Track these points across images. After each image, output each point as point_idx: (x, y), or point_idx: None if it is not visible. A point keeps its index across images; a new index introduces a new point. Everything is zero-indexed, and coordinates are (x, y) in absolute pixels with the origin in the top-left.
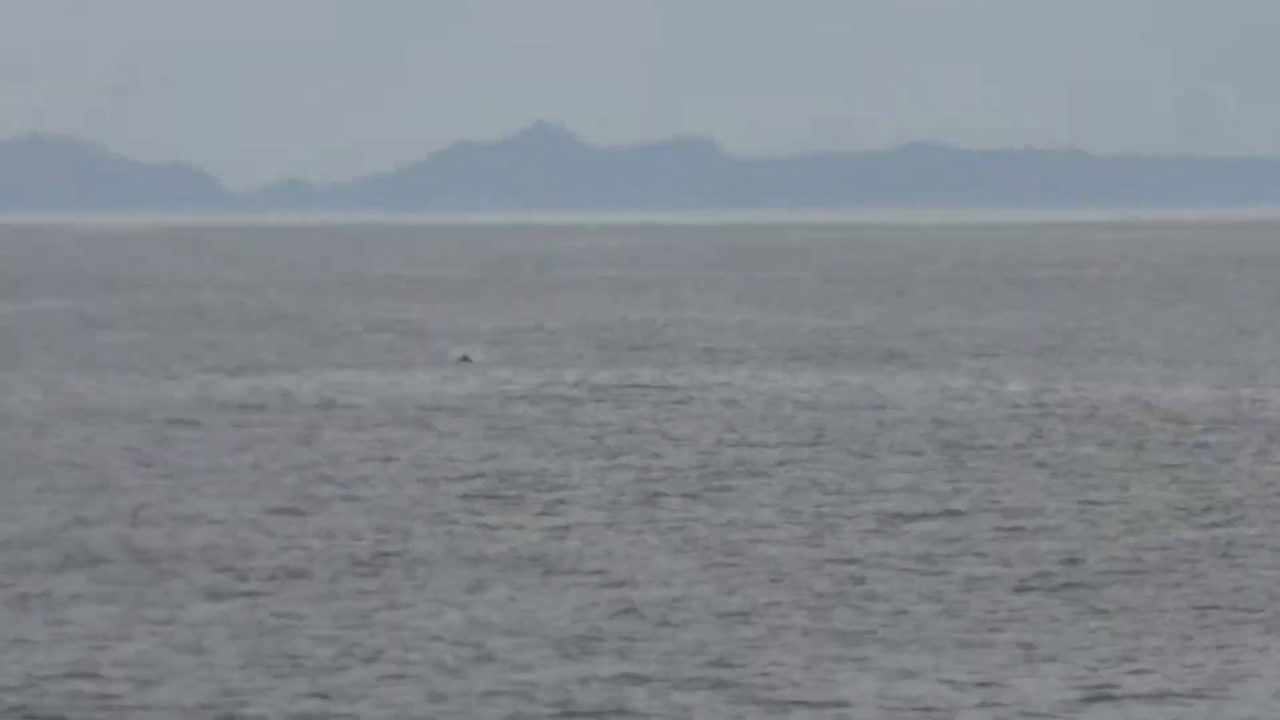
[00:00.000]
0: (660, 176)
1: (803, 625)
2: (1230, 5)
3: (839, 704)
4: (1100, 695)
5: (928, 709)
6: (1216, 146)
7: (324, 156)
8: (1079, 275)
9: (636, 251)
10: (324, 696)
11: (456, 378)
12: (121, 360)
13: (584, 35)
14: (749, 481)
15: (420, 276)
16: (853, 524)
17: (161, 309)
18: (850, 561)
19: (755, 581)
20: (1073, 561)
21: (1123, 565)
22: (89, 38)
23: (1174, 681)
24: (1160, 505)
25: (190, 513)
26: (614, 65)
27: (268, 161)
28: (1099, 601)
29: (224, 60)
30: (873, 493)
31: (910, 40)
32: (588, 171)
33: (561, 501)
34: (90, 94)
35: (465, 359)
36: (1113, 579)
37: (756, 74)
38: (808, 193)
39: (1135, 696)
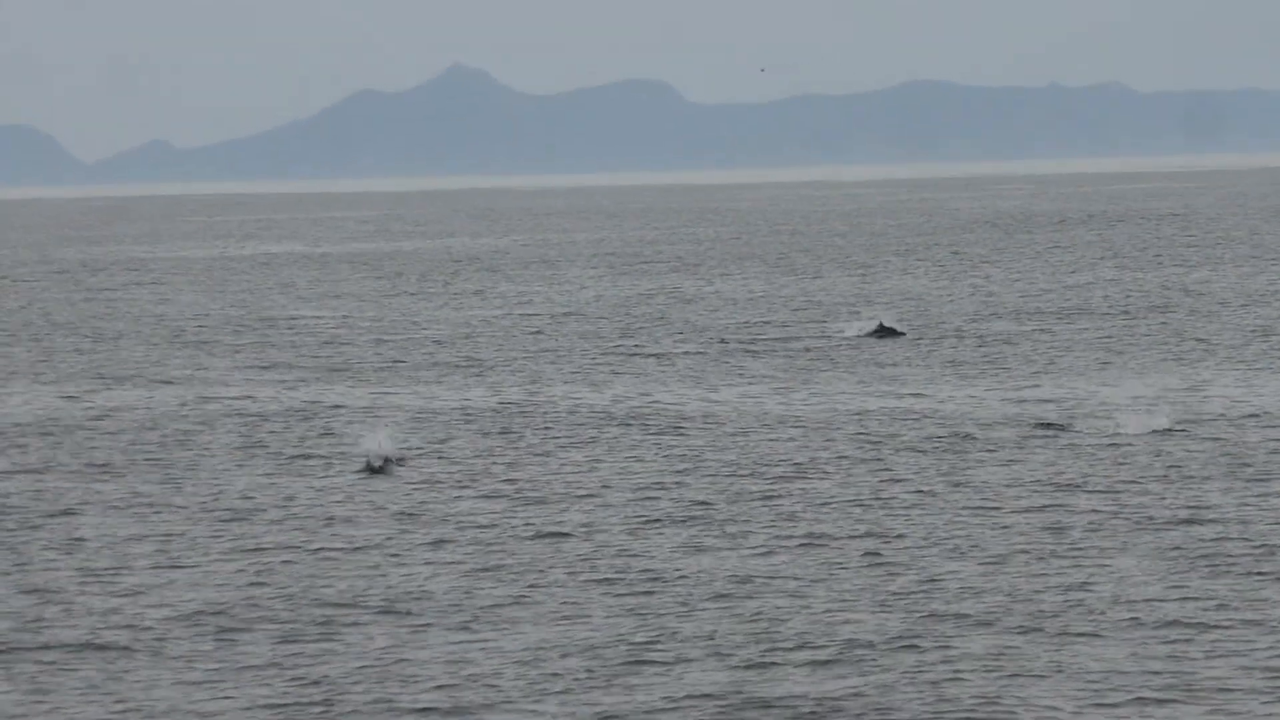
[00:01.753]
0: (608, 126)
1: None
2: None
3: None
4: None
5: None
6: None
7: (195, 116)
8: None
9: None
10: None
11: None
12: None
13: None
14: None
15: None
16: None
17: None
18: None
19: None
20: None
21: None
22: None
23: None
24: None
25: None
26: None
27: (126, 125)
28: None
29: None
30: None
31: None
32: (516, 122)
33: None
34: None
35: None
36: None
37: (712, 12)
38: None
39: None
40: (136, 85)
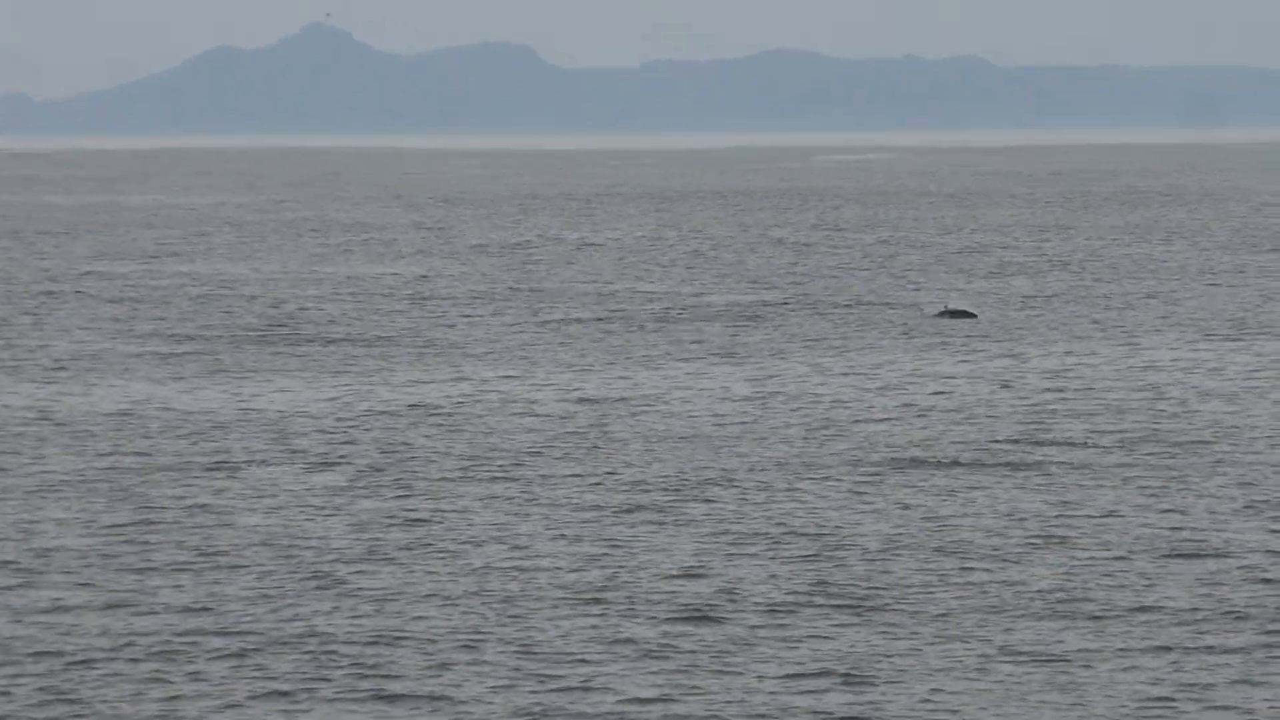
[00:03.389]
0: (468, 88)
1: None
2: None
3: None
4: None
5: None
6: None
7: (53, 69)
8: None
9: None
10: None
11: None
12: None
13: None
14: None
15: None
16: None
17: None
18: None
19: None
20: None
21: None
22: None
23: None
24: None
25: None
26: None
27: None
28: None
29: None
30: None
31: None
32: (374, 84)
33: None
34: None
35: None
36: None
37: None
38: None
39: None
40: None
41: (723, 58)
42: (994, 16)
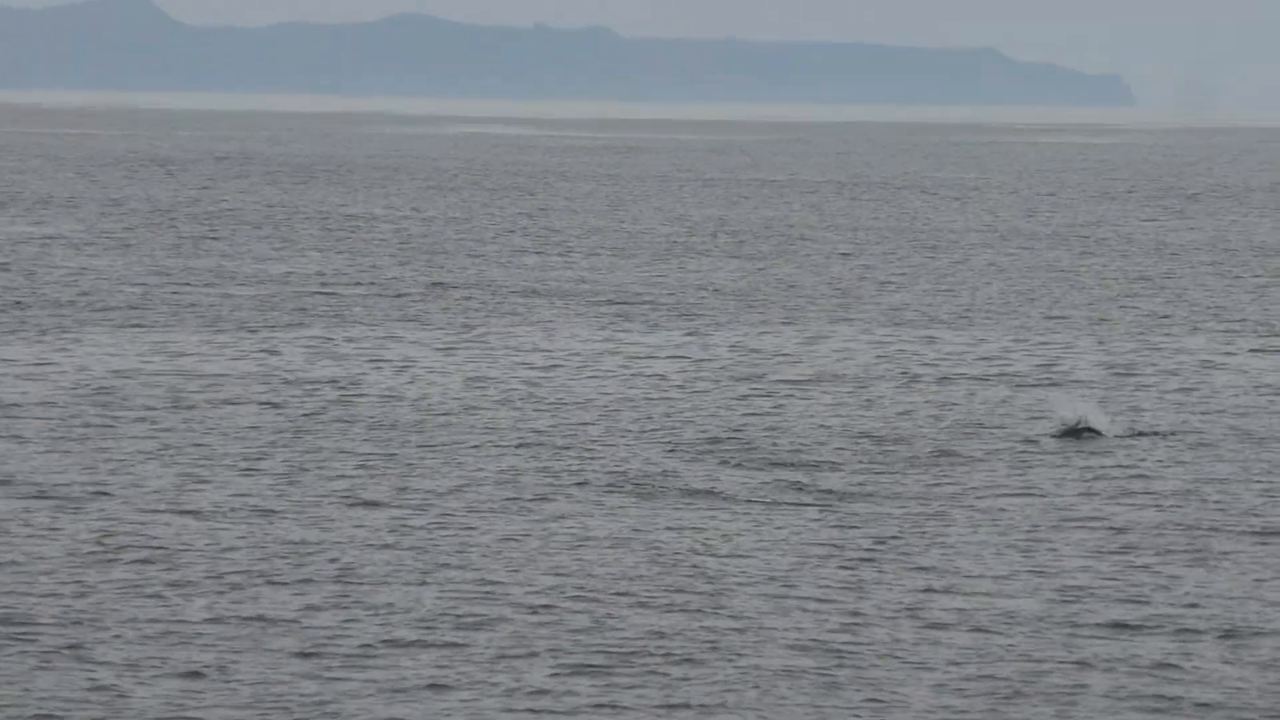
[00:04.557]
0: (87, 43)
1: None
2: None
3: None
4: None
5: None
6: None
7: None
8: None
9: None
10: None
11: None
12: None
13: None
14: None
15: None
16: None
17: None
18: None
19: None
20: None
21: None
22: None
23: None
24: None
25: None
26: None
27: None
28: None
29: None
30: None
31: None
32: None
33: None
34: None
35: None
36: None
37: None
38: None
39: None
40: None
41: (354, 20)
42: None
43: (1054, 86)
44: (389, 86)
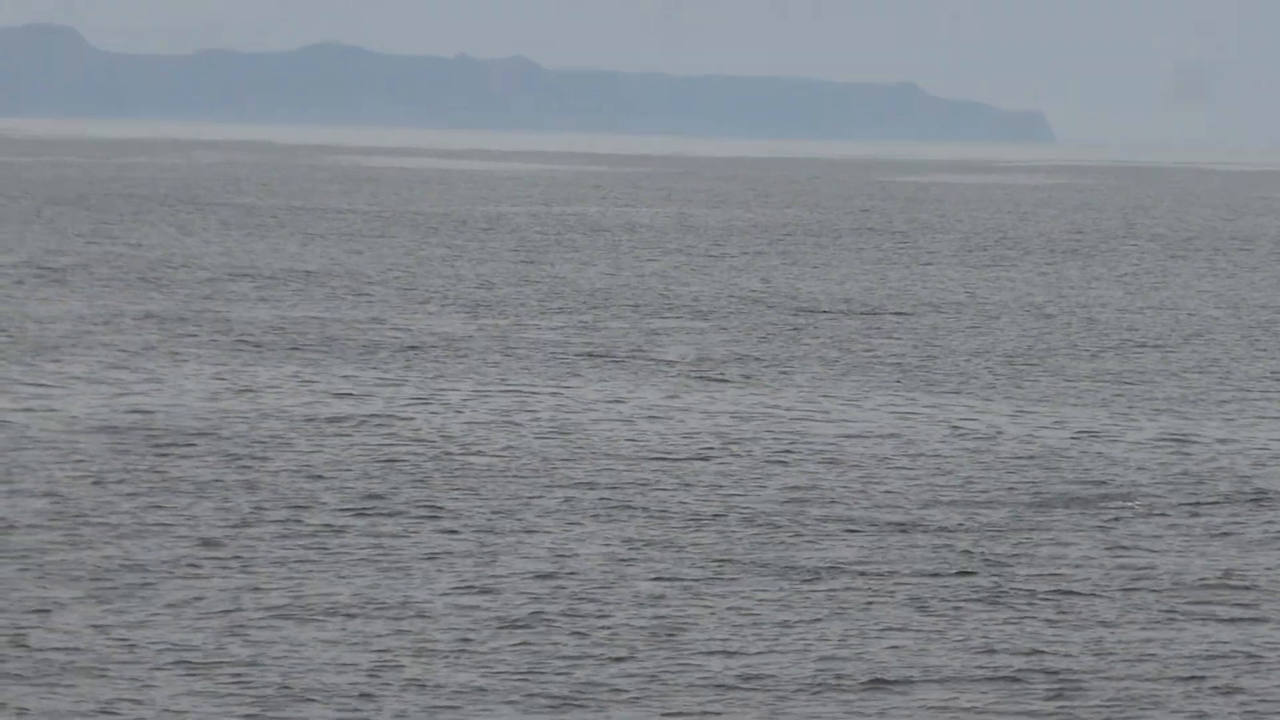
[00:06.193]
0: (9, 71)
1: None
2: None
3: None
4: None
5: None
6: None
7: None
8: None
9: None
10: None
11: None
12: None
13: None
14: None
15: None
16: None
17: None
18: None
19: None
20: None
21: None
22: None
23: None
24: None
25: None
26: None
27: None
28: None
29: None
30: None
31: None
32: None
33: None
34: None
35: None
36: None
37: None
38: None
39: None
40: None
41: (274, 50)
42: (542, 19)
43: (972, 123)
44: (308, 116)
